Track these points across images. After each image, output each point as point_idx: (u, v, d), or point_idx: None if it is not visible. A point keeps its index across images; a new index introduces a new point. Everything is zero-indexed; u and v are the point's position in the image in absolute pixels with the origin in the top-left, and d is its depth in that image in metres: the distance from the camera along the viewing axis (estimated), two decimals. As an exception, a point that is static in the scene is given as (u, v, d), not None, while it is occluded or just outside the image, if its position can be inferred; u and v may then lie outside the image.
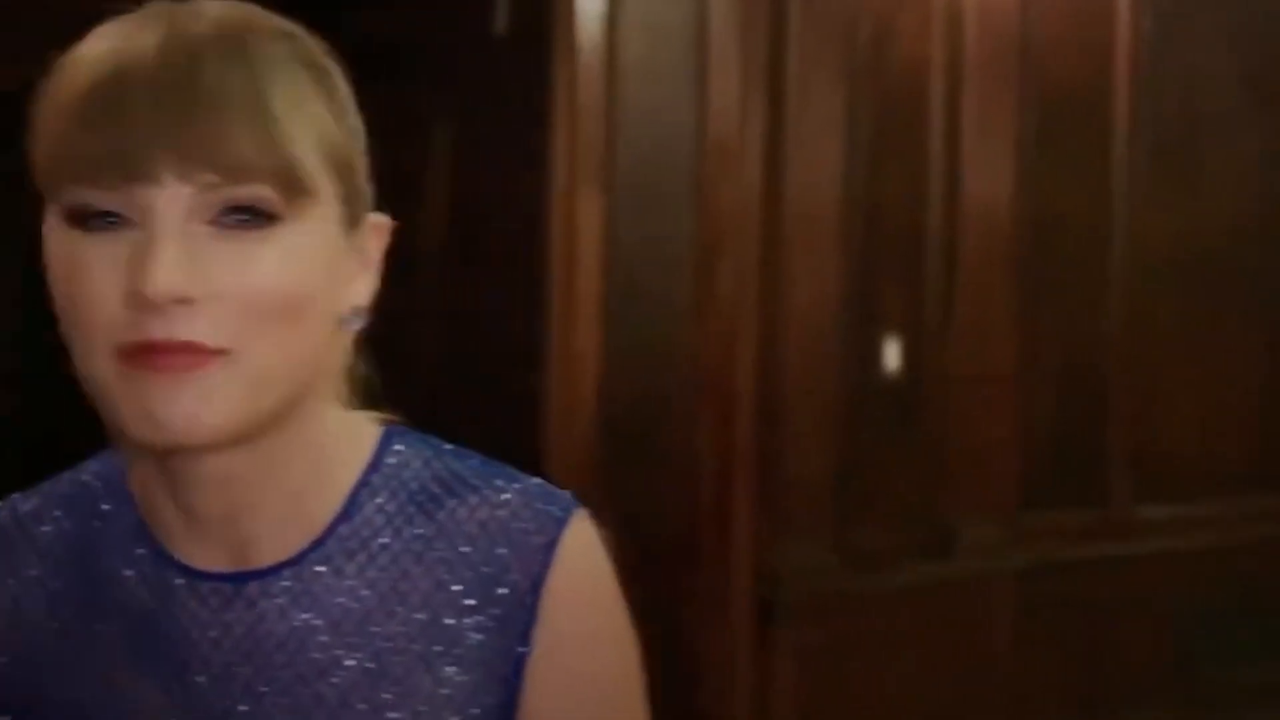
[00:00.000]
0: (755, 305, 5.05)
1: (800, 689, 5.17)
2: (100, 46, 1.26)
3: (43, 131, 1.26)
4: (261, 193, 1.23)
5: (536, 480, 1.35)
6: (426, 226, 4.94)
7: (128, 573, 1.34)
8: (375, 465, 1.34)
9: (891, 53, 5.39)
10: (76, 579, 1.36)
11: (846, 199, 5.25)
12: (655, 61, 4.93)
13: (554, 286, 4.78)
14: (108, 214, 1.24)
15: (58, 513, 1.38)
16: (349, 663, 1.31)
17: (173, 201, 1.22)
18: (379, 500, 1.33)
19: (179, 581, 1.32)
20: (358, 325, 1.32)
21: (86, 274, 1.24)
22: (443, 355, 4.90)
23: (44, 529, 1.38)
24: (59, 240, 1.26)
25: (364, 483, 1.33)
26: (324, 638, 1.31)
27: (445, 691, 1.30)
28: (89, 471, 1.40)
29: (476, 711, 1.31)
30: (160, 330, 1.22)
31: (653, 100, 4.93)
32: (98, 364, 1.24)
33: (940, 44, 5.48)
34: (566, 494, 1.34)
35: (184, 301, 1.22)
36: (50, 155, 1.25)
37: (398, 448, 1.35)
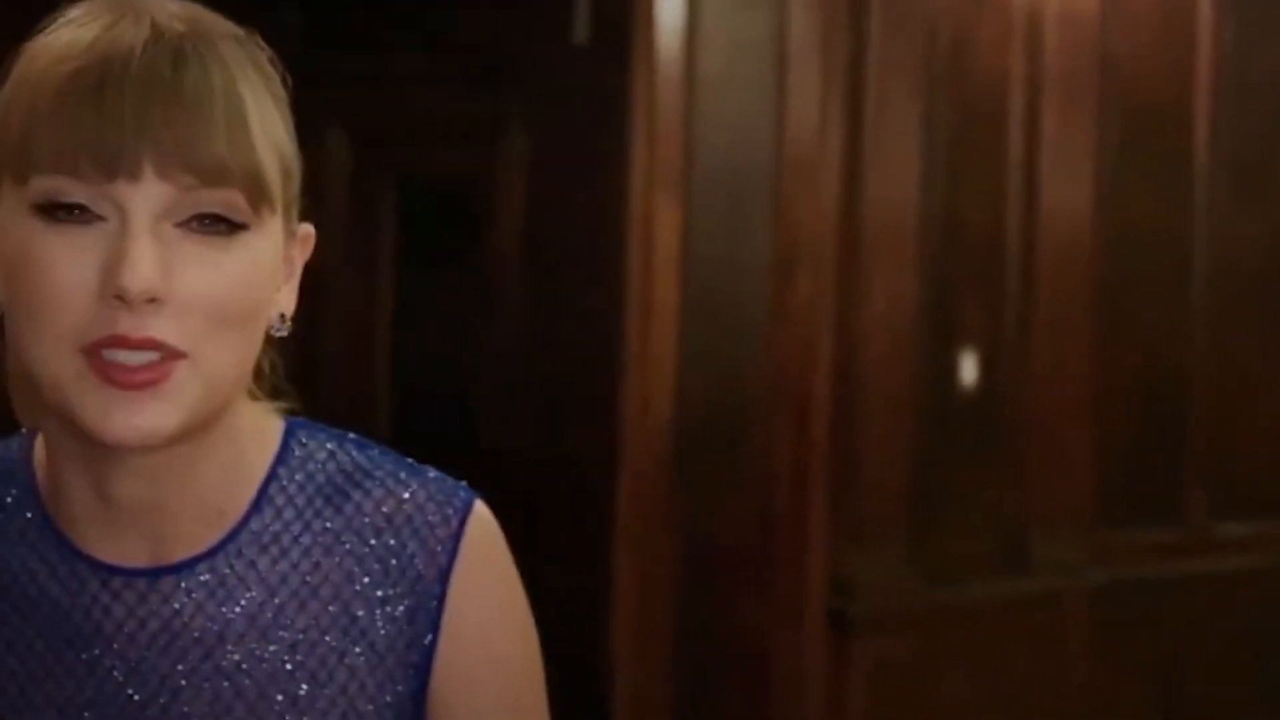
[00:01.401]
0: (832, 315, 5.05)
1: (873, 701, 5.15)
2: (80, 36, 1.25)
3: (13, 117, 1.25)
4: (233, 198, 1.24)
5: (435, 472, 1.38)
6: (504, 233, 4.96)
7: (36, 567, 1.32)
8: (282, 458, 1.36)
9: (971, 64, 5.37)
10: None
11: (925, 210, 5.23)
12: (734, 72, 4.94)
13: (631, 294, 4.78)
14: (76, 207, 1.22)
15: None
16: (265, 656, 1.32)
17: (149, 199, 1.22)
18: (288, 493, 1.35)
19: (91, 576, 1.31)
20: (284, 331, 1.33)
21: (52, 267, 1.22)
22: (519, 360, 4.92)
23: None
24: (19, 229, 1.24)
25: (273, 475, 1.35)
26: (240, 631, 1.32)
27: (358, 681, 1.33)
28: None
29: (389, 699, 1.34)
30: (129, 326, 1.22)
31: (731, 110, 4.94)
32: (59, 360, 1.23)
33: (1020, 55, 5.46)
34: (464, 485, 1.37)
35: (154, 300, 1.22)
36: (23, 142, 1.23)
37: (302, 439, 1.37)
